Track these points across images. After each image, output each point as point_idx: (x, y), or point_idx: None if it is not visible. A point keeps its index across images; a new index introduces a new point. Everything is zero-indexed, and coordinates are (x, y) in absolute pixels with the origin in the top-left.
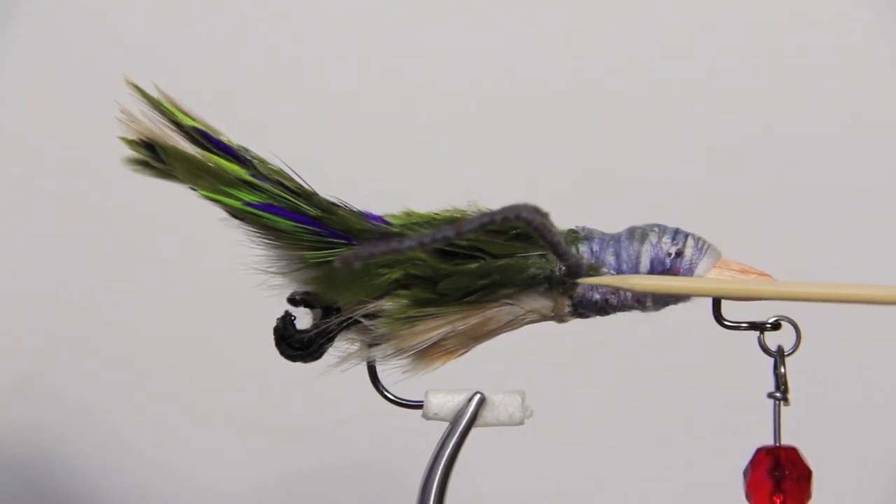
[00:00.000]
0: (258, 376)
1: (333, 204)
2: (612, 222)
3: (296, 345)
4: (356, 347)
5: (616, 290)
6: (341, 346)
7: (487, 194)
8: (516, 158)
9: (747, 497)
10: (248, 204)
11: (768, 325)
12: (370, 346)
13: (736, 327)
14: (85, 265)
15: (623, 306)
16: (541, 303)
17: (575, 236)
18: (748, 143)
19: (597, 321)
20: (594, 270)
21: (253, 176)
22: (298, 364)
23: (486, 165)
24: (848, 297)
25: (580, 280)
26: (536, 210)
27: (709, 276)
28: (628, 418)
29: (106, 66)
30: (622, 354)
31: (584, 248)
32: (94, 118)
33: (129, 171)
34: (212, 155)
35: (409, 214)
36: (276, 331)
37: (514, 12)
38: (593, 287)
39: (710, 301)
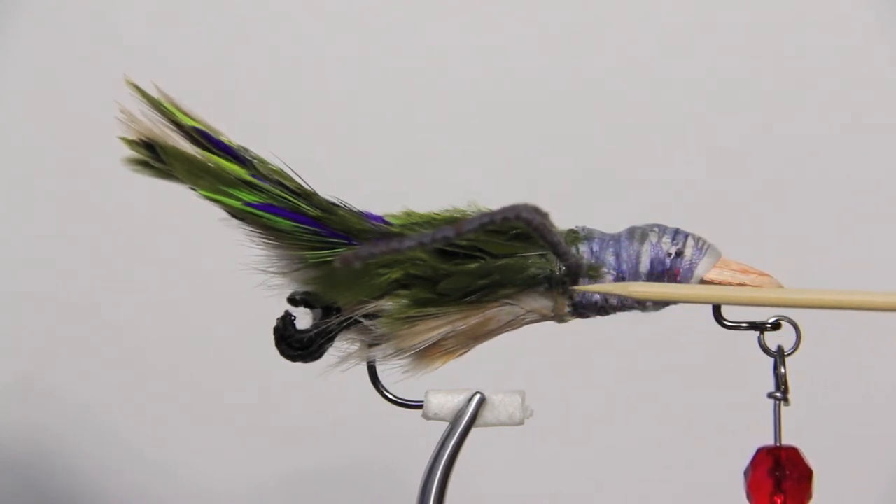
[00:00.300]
0: (258, 376)
1: (333, 204)
2: (612, 222)
3: (296, 345)
4: (356, 347)
5: None
6: (341, 346)
7: (487, 194)
8: (516, 158)
9: (748, 497)
10: (248, 204)
11: (768, 326)
12: (370, 346)
13: (736, 327)
14: (85, 265)
15: (623, 306)
16: (541, 303)
17: (575, 236)
18: (748, 143)
19: (597, 321)
20: (594, 270)
21: (253, 176)
22: (298, 364)
23: (486, 165)
24: (849, 304)
25: (581, 288)
26: (536, 210)
27: (709, 279)
28: (628, 418)
29: (106, 66)
30: (622, 354)
31: (584, 248)
32: (94, 118)
33: (129, 171)
34: (212, 155)
35: (409, 214)
36: (276, 331)
37: (514, 12)
38: None
39: None
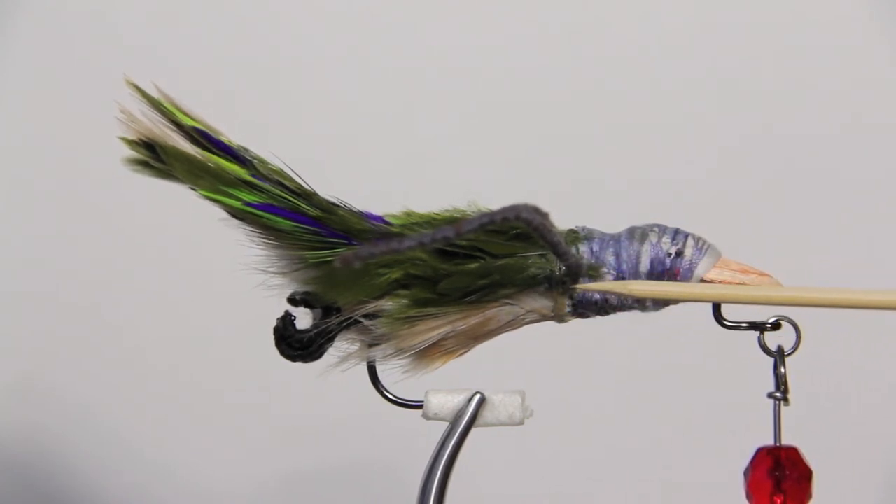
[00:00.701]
0: (258, 376)
1: (333, 204)
2: (612, 222)
3: (296, 345)
4: (356, 347)
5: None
6: (341, 346)
7: (487, 194)
8: (516, 158)
9: (748, 497)
10: (248, 204)
11: (768, 326)
12: (370, 346)
13: (736, 327)
14: (85, 265)
15: (623, 306)
16: (541, 303)
17: (575, 236)
18: (748, 143)
19: (597, 321)
20: (594, 270)
21: (253, 176)
22: (298, 364)
23: (486, 165)
24: (849, 303)
25: (581, 286)
26: (536, 210)
27: (709, 279)
28: (628, 418)
29: (106, 66)
30: (622, 354)
31: (584, 248)
32: (94, 118)
33: (129, 171)
34: (212, 155)
35: (409, 214)
36: (276, 331)
37: (514, 12)
38: None
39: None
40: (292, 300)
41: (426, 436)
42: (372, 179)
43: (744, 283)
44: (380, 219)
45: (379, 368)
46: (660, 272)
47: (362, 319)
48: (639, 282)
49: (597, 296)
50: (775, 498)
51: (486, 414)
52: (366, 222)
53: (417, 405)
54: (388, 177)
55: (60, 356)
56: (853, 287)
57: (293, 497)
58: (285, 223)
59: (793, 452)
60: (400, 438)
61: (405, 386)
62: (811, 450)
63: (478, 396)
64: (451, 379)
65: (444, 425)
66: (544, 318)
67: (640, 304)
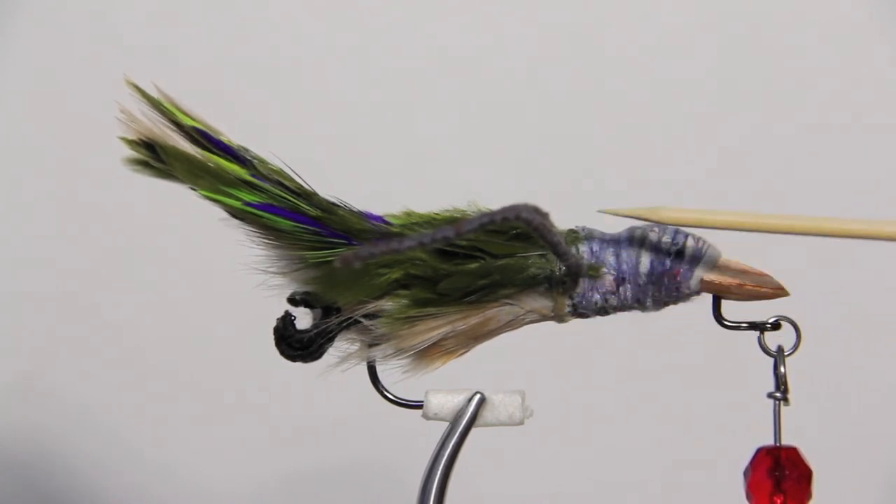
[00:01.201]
0: (258, 376)
1: (333, 204)
2: (612, 222)
3: (296, 345)
4: (356, 347)
5: (616, 290)
6: (341, 346)
7: (487, 194)
8: (516, 158)
9: (747, 497)
10: (248, 204)
11: (768, 325)
12: (370, 346)
13: (736, 327)
14: (85, 265)
15: (623, 306)
16: (541, 303)
17: (575, 236)
18: (748, 143)
19: (597, 321)
20: (594, 270)
21: (253, 176)
22: (298, 364)
23: (486, 165)
24: (880, 234)
25: (609, 210)
26: (536, 210)
27: (709, 279)
28: (628, 418)
29: (106, 66)
30: (622, 354)
31: (584, 248)
32: (94, 118)
33: (129, 171)
34: (212, 155)
35: (409, 214)
36: (276, 331)
37: (514, 12)
38: (593, 287)
39: (710, 301)
40: (292, 300)
41: (426, 436)
42: (372, 179)
43: (744, 283)
44: (380, 219)
45: (379, 368)
46: (660, 273)
47: (362, 319)
48: (670, 208)
49: (597, 296)
50: (775, 498)
51: (486, 414)
52: (366, 222)
53: (417, 405)
54: (388, 177)
55: (60, 356)
56: (855, 299)
57: (293, 497)
58: (285, 223)
59: (793, 452)
60: (400, 438)
61: (405, 386)
62: (811, 450)
63: (478, 396)
64: (451, 379)
65: (444, 425)
66: (544, 318)
67: (640, 303)
